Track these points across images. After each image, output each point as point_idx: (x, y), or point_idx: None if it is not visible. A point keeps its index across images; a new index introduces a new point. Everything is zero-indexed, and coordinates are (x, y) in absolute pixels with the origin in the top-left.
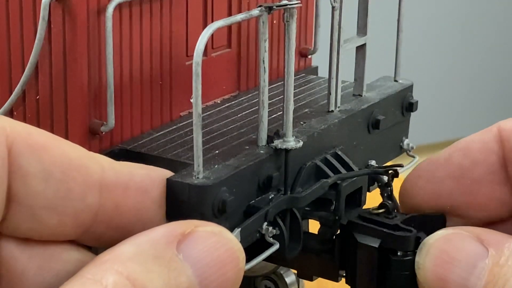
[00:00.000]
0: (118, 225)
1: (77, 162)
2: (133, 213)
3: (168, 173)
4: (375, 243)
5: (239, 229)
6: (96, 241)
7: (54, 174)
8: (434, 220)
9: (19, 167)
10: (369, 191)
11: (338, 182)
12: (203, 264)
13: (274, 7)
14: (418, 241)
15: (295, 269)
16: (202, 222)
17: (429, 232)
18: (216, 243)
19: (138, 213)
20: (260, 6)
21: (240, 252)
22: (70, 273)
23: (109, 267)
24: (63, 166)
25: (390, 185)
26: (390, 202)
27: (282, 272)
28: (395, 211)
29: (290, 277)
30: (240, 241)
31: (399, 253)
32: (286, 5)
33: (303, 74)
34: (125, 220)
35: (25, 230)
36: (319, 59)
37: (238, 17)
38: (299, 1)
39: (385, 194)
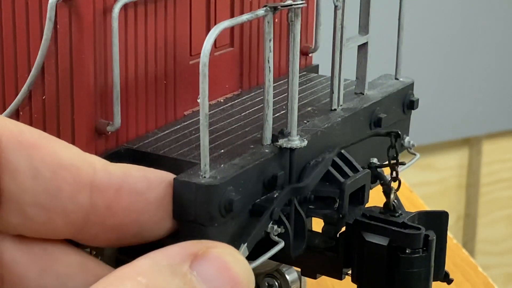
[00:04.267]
0: (113, 226)
1: (67, 161)
2: (126, 214)
3: (168, 175)
4: (384, 241)
5: (245, 244)
6: (92, 241)
7: (43, 172)
8: (439, 217)
9: (8, 162)
10: (370, 188)
11: (341, 181)
12: (215, 283)
13: (279, 7)
14: (427, 239)
15: (298, 267)
16: (214, 243)
17: (434, 229)
18: (228, 264)
19: (133, 215)
20: (265, 6)
21: (250, 273)
22: (71, 277)
23: (130, 277)
24: (53, 165)
25: (395, 146)
26: (395, 200)
27: (284, 270)
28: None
29: (291, 274)
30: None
31: (407, 251)
32: (291, 5)
33: (304, 72)
34: (119, 221)
35: (15, 226)
36: (319, 58)
37: (244, 17)
38: (304, 1)
39: (387, 191)
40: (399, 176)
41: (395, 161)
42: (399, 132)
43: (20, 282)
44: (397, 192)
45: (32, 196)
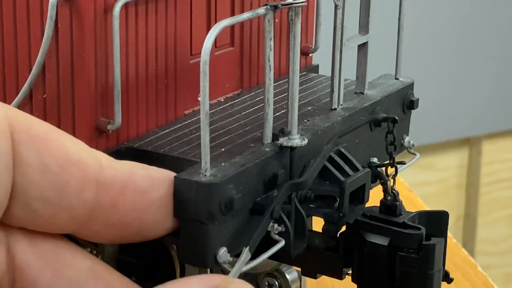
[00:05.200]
0: (115, 223)
1: (75, 157)
2: (130, 212)
3: (171, 174)
4: (384, 241)
5: (247, 248)
6: (93, 236)
7: (51, 167)
8: (439, 217)
9: (18, 155)
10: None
11: (342, 180)
12: None
13: (279, 5)
14: (429, 239)
15: (299, 267)
16: (232, 278)
17: (434, 229)
18: None
19: (135, 213)
20: (266, 4)
21: None
22: (82, 281)
23: None
24: (61, 159)
25: (392, 132)
26: (395, 200)
27: (284, 269)
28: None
29: (292, 274)
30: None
31: (408, 251)
32: (292, 3)
33: (305, 72)
34: (122, 218)
35: (19, 219)
36: (319, 58)
37: (245, 15)
38: (305, 0)
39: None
40: (398, 173)
41: (392, 146)
42: (396, 118)
43: (32, 285)
44: None
45: (39, 190)
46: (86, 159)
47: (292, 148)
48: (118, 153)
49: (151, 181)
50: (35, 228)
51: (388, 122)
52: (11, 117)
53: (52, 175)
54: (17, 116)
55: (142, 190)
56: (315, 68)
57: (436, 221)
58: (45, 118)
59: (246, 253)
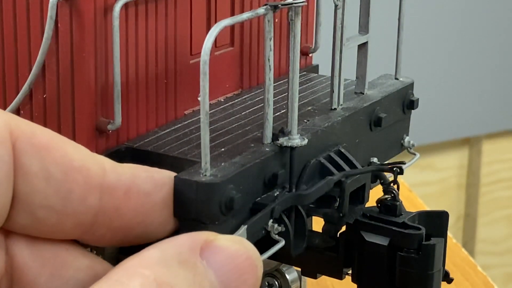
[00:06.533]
0: (119, 227)
1: (78, 163)
2: (134, 215)
3: (173, 175)
4: (384, 241)
5: (245, 226)
6: (97, 241)
7: (54, 175)
8: (439, 217)
9: (21, 164)
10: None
11: (343, 179)
12: (225, 270)
13: (279, 5)
14: (429, 239)
15: (299, 267)
16: (220, 234)
17: (434, 229)
18: (237, 251)
19: (140, 216)
20: (266, 4)
21: (258, 260)
22: (81, 281)
23: (136, 271)
24: (65, 167)
25: (396, 182)
26: (396, 200)
27: (284, 269)
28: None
29: (292, 274)
30: (247, 238)
31: (408, 251)
32: (292, 3)
33: (304, 72)
34: (126, 222)
35: (23, 226)
36: (319, 58)
37: (245, 15)
38: (305, 0)
39: (391, 194)
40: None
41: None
42: (403, 168)
43: (31, 286)
44: None
45: (43, 198)
46: (89, 164)
47: (292, 148)
48: (118, 153)
49: (154, 183)
50: (39, 235)
51: (394, 173)
52: (13, 126)
53: (56, 182)
54: (19, 125)
55: (145, 193)
56: (315, 68)
57: (436, 221)
58: (45, 118)
59: (242, 231)
